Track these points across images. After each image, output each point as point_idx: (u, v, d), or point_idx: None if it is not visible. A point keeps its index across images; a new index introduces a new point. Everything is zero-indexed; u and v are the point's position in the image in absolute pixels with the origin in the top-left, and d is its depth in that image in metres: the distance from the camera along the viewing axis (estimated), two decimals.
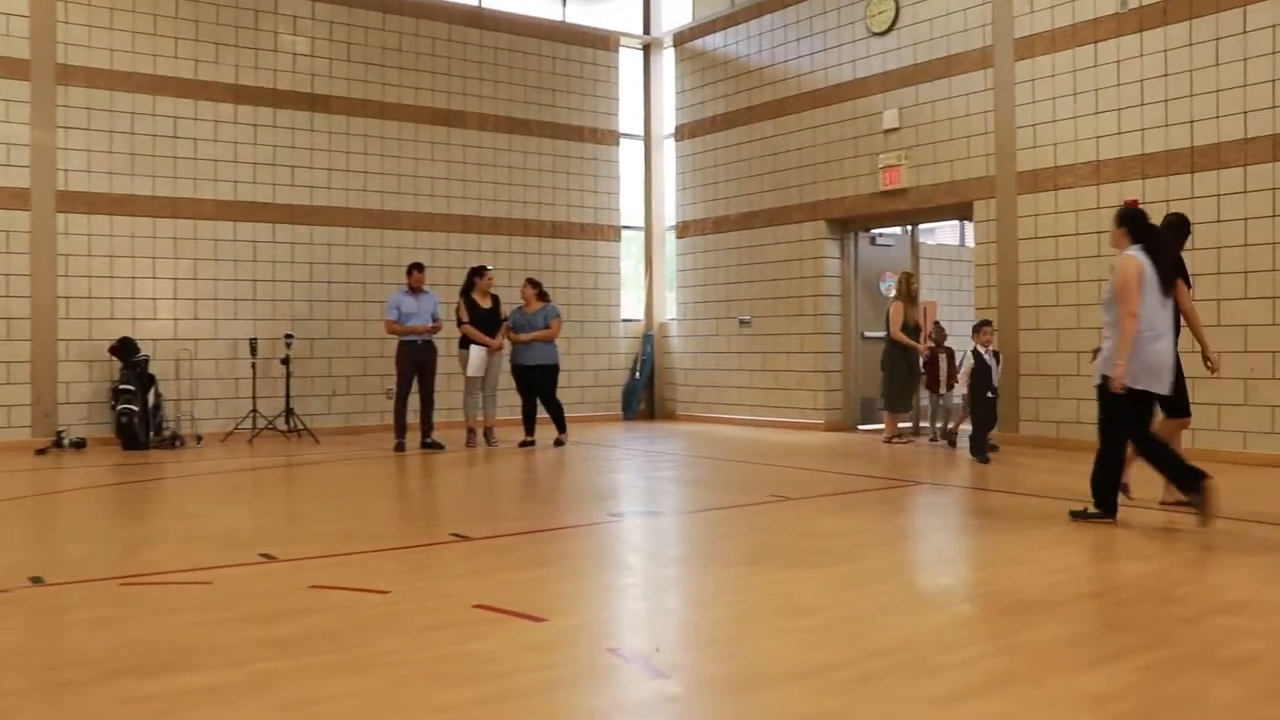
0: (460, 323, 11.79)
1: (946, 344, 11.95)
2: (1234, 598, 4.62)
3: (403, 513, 7.74)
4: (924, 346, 12.10)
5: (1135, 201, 10.43)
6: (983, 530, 6.52)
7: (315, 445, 12.04)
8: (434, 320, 11.74)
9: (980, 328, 10.43)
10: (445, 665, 3.68)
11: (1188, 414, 7.29)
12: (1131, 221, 6.77)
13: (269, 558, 5.51)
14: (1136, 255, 6.57)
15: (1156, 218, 10.39)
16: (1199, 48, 10.18)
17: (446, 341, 12.27)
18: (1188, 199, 10.22)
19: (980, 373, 10.22)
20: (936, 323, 12.13)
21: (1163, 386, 6.50)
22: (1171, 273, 6.68)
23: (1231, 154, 9.98)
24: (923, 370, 11.97)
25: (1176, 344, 6.81)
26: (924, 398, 12.58)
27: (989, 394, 10.26)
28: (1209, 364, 7.25)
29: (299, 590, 4.76)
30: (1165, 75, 10.41)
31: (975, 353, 10.33)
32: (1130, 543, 5.97)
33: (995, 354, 10.53)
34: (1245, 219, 9.89)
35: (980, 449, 10.04)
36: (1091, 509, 6.54)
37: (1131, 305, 6.36)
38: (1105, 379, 6.49)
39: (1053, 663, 3.66)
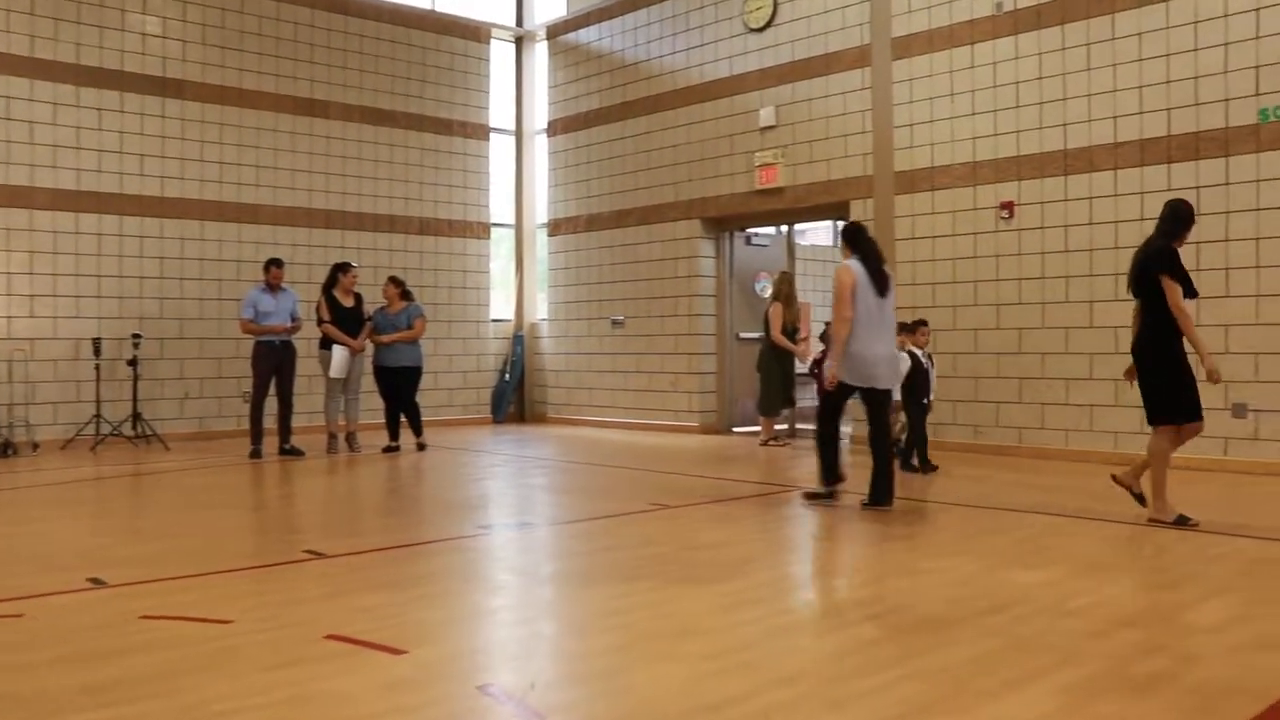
0: (321, 321, 11.18)
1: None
2: (1130, 608, 4.45)
3: (255, 527, 7.15)
4: (801, 349, 11.92)
5: (1010, 204, 10.46)
6: (871, 538, 6.29)
7: (165, 452, 11.30)
8: (293, 319, 11.09)
9: (916, 327, 9.44)
10: (287, 712, 3.21)
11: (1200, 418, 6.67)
12: (850, 235, 7.69)
13: (97, 583, 4.93)
14: (851, 265, 7.37)
15: (1034, 216, 10.56)
16: (1071, 52, 10.21)
17: (307, 342, 11.66)
18: (1061, 201, 10.25)
19: (917, 377, 9.22)
20: (828, 324, 11.55)
21: (880, 382, 7.37)
22: (886, 279, 7.42)
23: (1102, 158, 10.02)
24: (812, 374, 11.62)
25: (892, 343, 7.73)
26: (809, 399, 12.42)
27: (924, 400, 9.35)
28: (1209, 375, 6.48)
29: (128, 622, 4.22)
30: (1039, 78, 10.42)
31: (910, 354, 9.25)
32: (1018, 550, 5.80)
33: (929, 356, 9.60)
34: (1116, 222, 9.94)
35: (909, 459, 9.33)
36: (818, 488, 7.62)
37: (845, 311, 7.21)
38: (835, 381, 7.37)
39: (967, 688, 3.39)
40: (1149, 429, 6.91)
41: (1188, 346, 6.59)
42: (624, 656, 3.80)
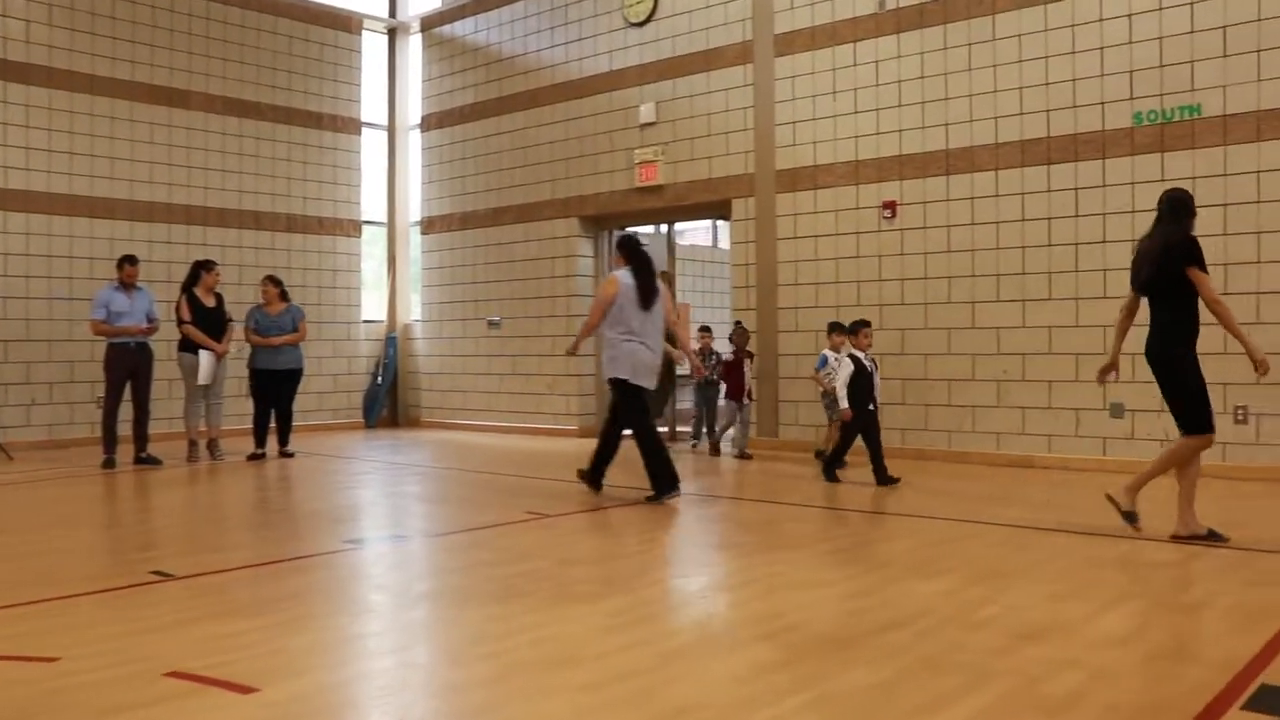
0: (181, 322, 10.52)
1: (749, 348, 10.87)
2: (1034, 619, 4.26)
3: (101, 545, 6.53)
4: (678, 354, 11.65)
5: (892, 204, 10.36)
6: (759, 548, 6.04)
7: (8, 462, 10.53)
8: (149, 320, 10.41)
9: (857, 328, 8.85)
10: None
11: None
12: (625, 247, 8.02)
13: None
14: (619, 276, 7.83)
15: (916, 216, 10.50)
16: (953, 52, 10.17)
17: (165, 344, 10.99)
18: (943, 201, 10.19)
19: (861, 381, 8.59)
20: (738, 323, 11.06)
21: (649, 383, 7.88)
22: (654, 293, 7.84)
23: (984, 158, 10.00)
24: (718, 379, 11.22)
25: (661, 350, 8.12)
26: (687, 401, 12.19)
27: (870, 406, 8.65)
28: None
29: None
30: (922, 77, 10.36)
31: (853, 358, 8.65)
32: (913, 558, 5.61)
33: (873, 360, 9.05)
34: (997, 222, 9.92)
35: (833, 468, 8.74)
36: (655, 493, 7.71)
37: (593, 320, 7.91)
38: (618, 380, 7.80)
39: (877, 717, 3.13)
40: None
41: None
42: (500, 690, 3.44)
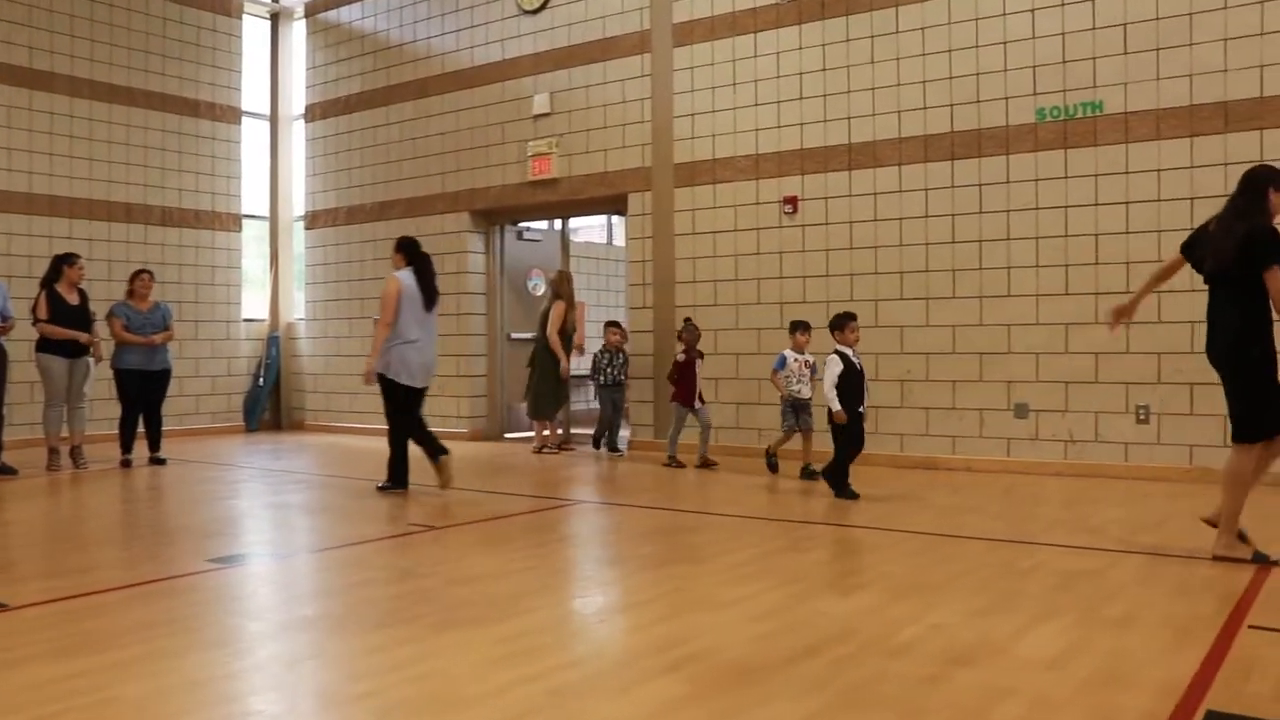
0: (37, 320, 9.76)
1: (699, 347, 9.95)
2: (961, 640, 3.94)
3: None
4: (565, 367, 11.21)
5: (793, 199, 10.08)
6: (661, 561, 5.66)
7: None
8: (3, 318, 9.63)
9: (843, 323, 7.87)
10: None
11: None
12: (406, 249, 8.25)
13: None
14: (400, 276, 8.01)
15: (818, 212, 10.24)
16: (855, 44, 9.93)
17: (20, 344, 10.21)
18: (845, 196, 9.95)
19: (851, 380, 7.74)
20: (688, 320, 10.12)
21: (419, 382, 8.08)
22: (435, 295, 8.18)
23: (887, 153, 9.78)
24: (624, 379, 10.87)
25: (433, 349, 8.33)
26: (579, 402, 11.77)
27: (859, 409, 7.81)
28: None
29: None
30: (824, 70, 10.10)
31: (841, 354, 7.76)
32: (825, 571, 5.28)
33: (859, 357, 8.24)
34: (900, 219, 9.71)
35: (842, 482, 7.71)
36: (385, 482, 8.14)
37: (387, 317, 7.89)
38: (380, 375, 7.95)
39: None
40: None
41: None
42: None
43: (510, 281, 13.14)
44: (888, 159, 9.76)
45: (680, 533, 6.49)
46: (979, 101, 9.33)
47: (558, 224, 13.60)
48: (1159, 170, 8.61)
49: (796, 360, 8.91)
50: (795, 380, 8.88)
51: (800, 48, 10.22)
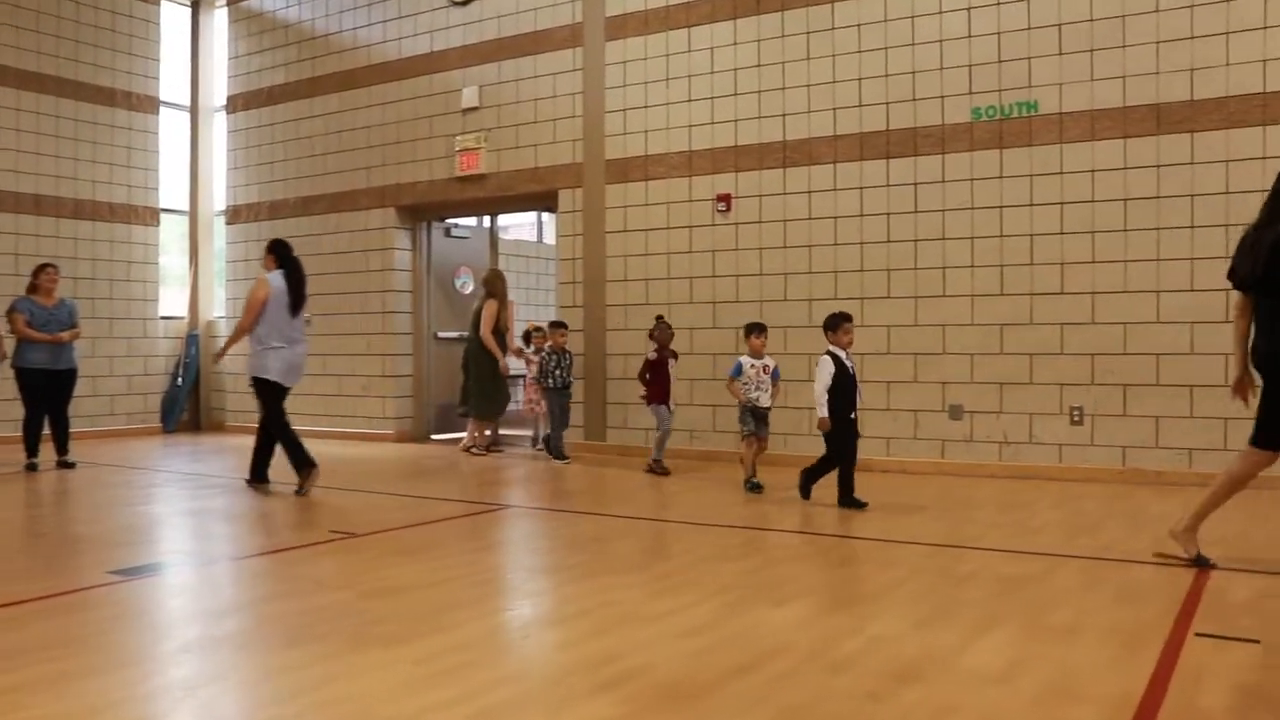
0: None
1: (672, 346, 9.45)
2: (903, 653, 3.78)
3: None
4: (503, 364, 10.96)
5: (726, 196, 9.92)
6: (590, 570, 5.44)
7: None
8: None
9: (838, 323, 7.35)
10: None
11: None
12: (277, 251, 8.29)
13: None
14: (271, 279, 8.07)
15: (752, 210, 10.08)
16: (790, 40, 9.79)
17: None
18: (779, 194, 9.82)
19: (841, 385, 7.24)
20: (660, 318, 9.51)
21: (290, 381, 8.16)
22: (303, 300, 8.20)
23: (821, 150, 9.65)
24: (565, 381, 10.19)
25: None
26: (518, 404, 11.51)
27: (852, 415, 7.33)
28: None
29: None
30: (758, 66, 9.96)
31: (833, 356, 7.25)
32: (757, 580, 5.10)
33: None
34: (835, 217, 9.59)
35: (849, 494, 7.26)
36: (250, 479, 8.37)
37: (246, 320, 7.98)
38: (253, 377, 8.09)
39: None
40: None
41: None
42: None
43: (438, 279, 12.85)
44: (822, 157, 9.63)
45: (611, 539, 6.28)
46: (915, 100, 9.23)
47: (486, 221, 13.33)
48: (1093, 171, 8.57)
49: (754, 366, 8.14)
50: (754, 387, 8.11)
51: (735, 43, 10.06)
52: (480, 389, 10.98)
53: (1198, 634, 4.06)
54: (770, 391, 8.19)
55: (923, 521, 6.73)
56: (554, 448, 10.20)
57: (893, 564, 5.42)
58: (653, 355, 9.35)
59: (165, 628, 4.34)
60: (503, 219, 14.25)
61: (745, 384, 8.13)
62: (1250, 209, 8.05)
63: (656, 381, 9.30)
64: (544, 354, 10.22)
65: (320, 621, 4.26)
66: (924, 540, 6.07)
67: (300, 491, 7.97)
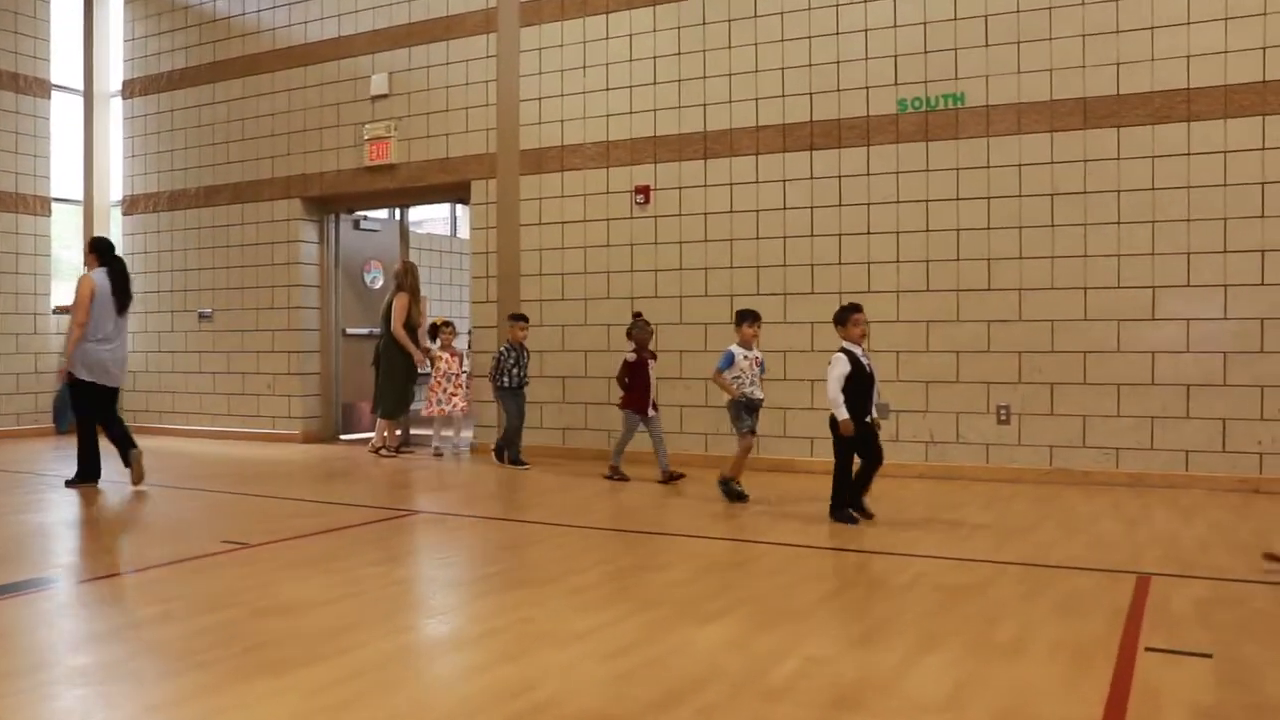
0: None
1: (652, 347, 8.80)
2: (842, 676, 3.49)
3: None
4: (419, 356, 10.55)
5: (645, 188, 9.62)
6: (505, 583, 5.08)
7: None
8: None
9: (849, 315, 6.70)
10: None
11: None
12: (99, 249, 8.25)
13: None
14: (95, 277, 8.01)
15: (671, 203, 9.77)
16: (711, 28, 9.51)
17: None
18: (700, 186, 9.54)
19: (857, 383, 6.55)
20: (638, 315, 8.78)
21: (111, 381, 8.10)
22: (129, 298, 8.21)
23: (744, 141, 9.38)
24: (522, 380, 9.49)
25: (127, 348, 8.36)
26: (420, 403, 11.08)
27: (867, 419, 6.66)
28: None
29: None
30: (679, 54, 9.66)
31: (847, 353, 6.60)
32: (686, 593, 4.79)
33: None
34: (757, 210, 9.34)
35: (846, 505, 6.65)
36: (74, 477, 8.28)
37: (80, 317, 7.88)
38: (71, 375, 8.02)
39: None
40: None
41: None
42: None
43: (346, 274, 12.35)
44: (744, 148, 9.36)
45: (528, 547, 5.92)
46: (839, 90, 9.00)
47: (398, 214, 12.86)
48: (1020, 165, 8.41)
49: (747, 357, 7.52)
50: (748, 380, 7.49)
51: (654, 30, 9.75)
52: (391, 387, 10.54)
53: (1148, 648, 3.83)
54: (760, 384, 7.64)
55: (851, 526, 6.47)
56: (510, 453, 9.53)
57: (823, 574, 5.15)
58: (631, 357, 8.55)
59: (26, 659, 3.88)
60: (417, 212, 13.84)
61: (738, 377, 7.50)
62: (1176, 205, 8.00)
63: (636, 386, 8.49)
64: (501, 350, 9.56)
65: (205, 646, 3.84)
66: (855, 547, 5.81)
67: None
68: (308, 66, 11.91)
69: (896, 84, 8.82)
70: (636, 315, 8.84)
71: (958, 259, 8.57)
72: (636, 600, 4.54)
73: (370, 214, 12.65)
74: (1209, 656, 3.73)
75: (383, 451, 10.53)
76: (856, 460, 6.71)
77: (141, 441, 8.47)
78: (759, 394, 7.58)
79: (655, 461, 8.57)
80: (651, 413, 8.51)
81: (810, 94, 9.10)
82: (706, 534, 6.26)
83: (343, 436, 12.27)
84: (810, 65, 9.10)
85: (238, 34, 12.50)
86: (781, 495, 7.76)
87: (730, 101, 9.43)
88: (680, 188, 9.64)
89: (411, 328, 10.52)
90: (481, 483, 8.74)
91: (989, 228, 8.47)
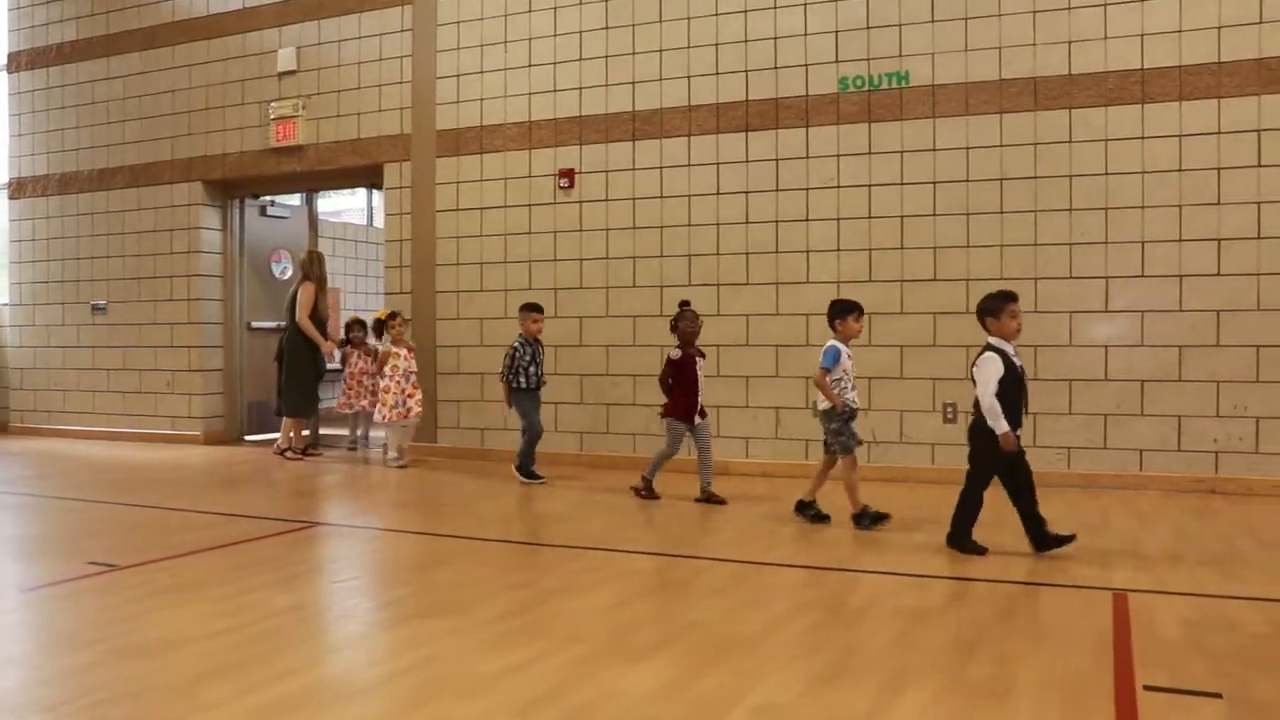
0: None
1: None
2: (769, 699, 2.94)
3: None
4: (329, 346, 9.85)
5: (569, 172, 9.05)
6: (405, 614, 4.46)
7: None
8: None
9: (1006, 302, 5.44)
10: None
11: None
12: None
13: None
14: None
15: (598, 187, 9.09)
16: (641, 1, 8.94)
17: None
18: (628, 170, 8.97)
19: (1010, 390, 5.34)
20: (685, 304, 7.43)
21: None
22: None
23: (675, 122, 8.83)
24: (540, 380, 8.13)
25: None
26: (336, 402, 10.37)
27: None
28: None
29: None
30: (606, 28, 9.08)
31: (1000, 351, 5.38)
32: (615, 621, 4.21)
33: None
34: (689, 196, 8.78)
35: (971, 532, 5.64)
36: None
37: None
38: None
39: None
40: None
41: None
42: None
43: (252, 264, 11.57)
44: (676, 129, 8.80)
45: (439, 567, 5.30)
46: (776, 68, 8.48)
47: (306, 198, 12.10)
48: (967, 148, 7.95)
49: (850, 357, 6.28)
50: (849, 385, 6.22)
51: (580, 3, 9.14)
52: (297, 383, 9.80)
53: (1147, 687, 3.34)
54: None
55: (794, 536, 5.95)
56: (524, 465, 8.11)
57: (770, 595, 4.60)
58: (676, 354, 7.21)
59: None
60: (338, 202, 13.09)
61: (839, 380, 6.20)
62: (1130, 191, 7.59)
63: (682, 389, 7.17)
64: (515, 345, 8.08)
65: (44, 702, 3.17)
66: (802, 562, 5.28)
67: None
68: (210, 40, 11.11)
69: (837, 61, 8.31)
70: (683, 305, 7.41)
71: (902, 247, 8.09)
72: (562, 632, 3.95)
73: (278, 200, 11.90)
74: (1218, 697, 3.25)
75: (288, 454, 9.80)
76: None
77: (27, 444, 7.68)
78: (857, 401, 6.37)
79: (692, 479, 7.62)
80: (699, 420, 7.22)
81: (746, 72, 8.57)
82: (638, 547, 5.69)
83: (248, 438, 11.50)
84: (746, 41, 8.57)
85: (134, 4, 11.64)
86: (681, 504, 7.21)
87: (661, 79, 8.86)
88: (607, 171, 9.06)
89: (319, 319, 9.80)
90: (394, 489, 8.08)
91: (935, 214, 8.00)
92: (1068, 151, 7.72)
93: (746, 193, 8.56)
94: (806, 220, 8.36)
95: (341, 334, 10.64)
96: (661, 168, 8.85)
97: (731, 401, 8.53)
